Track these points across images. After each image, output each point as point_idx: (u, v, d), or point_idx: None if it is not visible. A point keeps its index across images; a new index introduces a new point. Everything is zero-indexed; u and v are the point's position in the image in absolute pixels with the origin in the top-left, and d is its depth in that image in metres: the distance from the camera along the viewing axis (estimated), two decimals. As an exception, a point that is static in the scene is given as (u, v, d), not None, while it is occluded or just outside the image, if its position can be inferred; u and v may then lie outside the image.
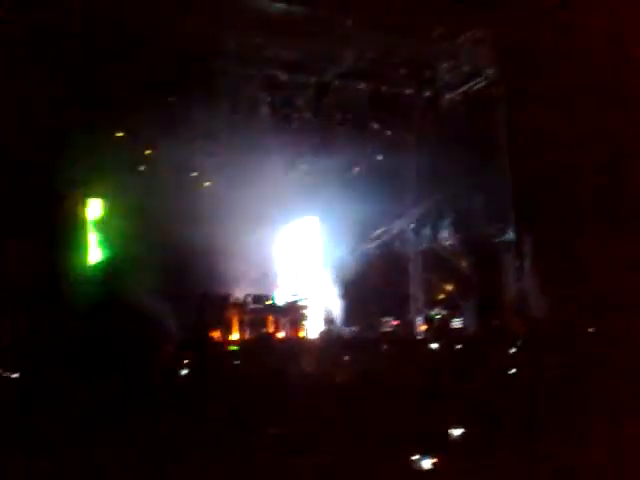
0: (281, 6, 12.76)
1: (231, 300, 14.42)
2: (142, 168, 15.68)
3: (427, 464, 4.49)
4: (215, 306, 14.22)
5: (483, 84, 15.18)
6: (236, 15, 12.58)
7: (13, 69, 11.65)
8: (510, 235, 14.94)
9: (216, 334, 13.88)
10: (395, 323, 15.26)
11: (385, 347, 11.98)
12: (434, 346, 11.87)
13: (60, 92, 12.09)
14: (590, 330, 12.77)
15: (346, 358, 10.32)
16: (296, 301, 15.16)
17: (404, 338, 14.27)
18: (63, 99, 12.21)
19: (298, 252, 16.02)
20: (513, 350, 10.43)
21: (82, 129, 12.40)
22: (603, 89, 13.26)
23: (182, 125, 14.51)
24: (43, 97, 11.80)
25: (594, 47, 12.92)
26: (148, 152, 15.41)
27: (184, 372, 8.69)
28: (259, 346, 12.89)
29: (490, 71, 14.90)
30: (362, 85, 14.82)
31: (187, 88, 13.49)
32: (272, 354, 11.16)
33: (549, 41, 13.40)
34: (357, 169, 16.70)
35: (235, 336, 13.92)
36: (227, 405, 6.68)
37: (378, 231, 16.83)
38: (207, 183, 15.75)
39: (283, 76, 13.90)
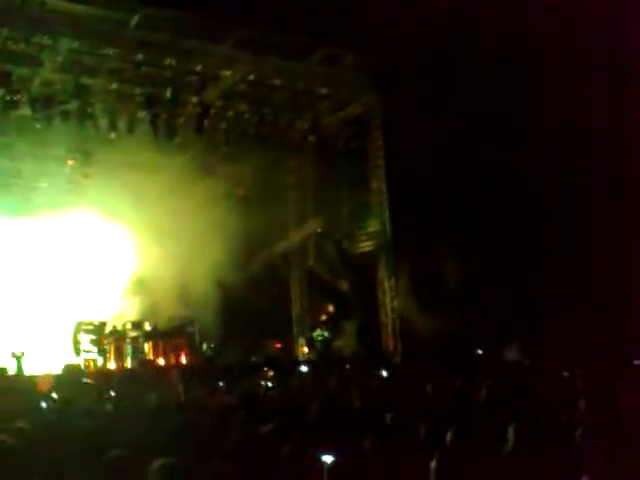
0: (161, 25, 12.57)
1: (108, 327, 13.90)
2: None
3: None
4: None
5: (360, 110, 15.56)
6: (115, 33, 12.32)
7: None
8: (388, 256, 15.28)
9: (91, 363, 13.31)
10: (278, 345, 15.22)
11: (266, 370, 11.91)
12: (313, 369, 11.94)
13: None
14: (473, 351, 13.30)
15: (222, 384, 10.16)
16: (178, 326, 14.78)
17: (286, 361, 14.24)
18: None
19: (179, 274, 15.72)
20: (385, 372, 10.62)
21: None
22: (480, 111, 13.92)
23: (57, 143, 14.06)
24: None
25: (475, 73, 13.58)
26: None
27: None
28: (133, 374, 12.49)
29: (367, 97, 15.30)
30: (244, 106, 14.83)
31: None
32: (148, 382, 10.81)
33: (430, 70, 13.97)
34: (241, 190, 16.69)
35: (112, 365, 13.39)
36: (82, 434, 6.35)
37: (261, 253, 16.85)
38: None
39: (164, 94, 13.63)
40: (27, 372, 12.56)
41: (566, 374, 9.42)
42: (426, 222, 14.34)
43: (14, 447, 5.60)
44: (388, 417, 6.70)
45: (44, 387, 10.39)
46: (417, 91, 13.93)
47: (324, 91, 14.94)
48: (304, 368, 12.51)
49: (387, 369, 11.16)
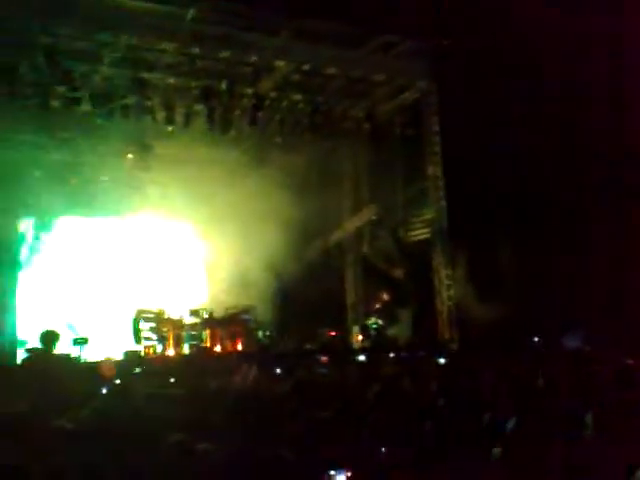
0: (216, 18, 12.77)
1: (166, 314, 14.22)
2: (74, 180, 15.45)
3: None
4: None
5: (416, 96, 15.44)
6: (172, 28, 12.54)
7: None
8: (444, 243, 15.18)
9: (151, 350, 13.65)
10: (332, 333, 15.29)
11: (321, 358, 12.01)
12: (368, 357, 11.98)
13: None
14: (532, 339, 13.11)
15: (279, 371, 10.30)
16: (235, 313, 15.03)
17: (340, 349, 14.32)
18: None
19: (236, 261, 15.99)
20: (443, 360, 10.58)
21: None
22: (538, 99, 13.68)
23: (116, 137, 14.41)
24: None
25: (532, 58, 13.35)
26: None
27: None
28: (192, 361, 12.76)
29: (422, 83, 15.17)
30: (298, 96, 14.91)
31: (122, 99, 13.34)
32: (206, 369, 11.03)
33: (485, 51, 13.78)
34: (294, 179, 16.77)
35: (170, 351, 13.71)
36: (150, 422, 6.56)
37: (316, 241, 16.96)
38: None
39: (219, 87, 13.83)
40: (90, 358, 12.97)
41: (630, 362, 9.26)
42: (483, 209, 14.17)
43: (74, 432, 5.82)
44: (446, 405, 6.71)
45: (108, 373, 10.70)
46: (473, 76, 13.75)
47: (379, 78, 14.89)
48: (360, 357, 12.58)
49: (444, 357, 11.11)
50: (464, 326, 14.36)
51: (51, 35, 11.91)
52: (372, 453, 5.97)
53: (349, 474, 4.57)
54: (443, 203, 15.21)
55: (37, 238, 14.86)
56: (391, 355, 12.42)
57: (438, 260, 15.17)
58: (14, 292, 14.28)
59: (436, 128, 15.21)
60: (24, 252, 14.67)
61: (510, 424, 6.24)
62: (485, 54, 13.65)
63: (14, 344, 13.74)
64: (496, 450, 5.34)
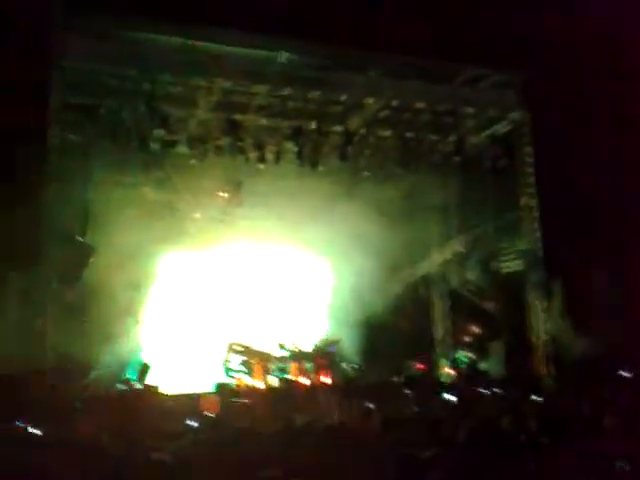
0: (306, 60, 13.16)
1: (255, 347, 14.44)
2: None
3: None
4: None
5: (508, 127, 15.22)
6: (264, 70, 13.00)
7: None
8: (540, 275, 14.74)
9: (241, 382, 13.87)
10: (420, 367, 15.05)
11: (408, 392, 11.84)
12: (460, 392, 11.71)
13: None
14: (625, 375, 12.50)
15: (370, 405, 10.25)
16: (322, 346, 15.11)
17: (428, 382, 14.06)
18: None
19: (324, 295, 16.09)
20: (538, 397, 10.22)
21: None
22: (633, 129, 13.26)
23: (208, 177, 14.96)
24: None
25: (625, 85, 12.99)
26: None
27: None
28: (281, 394, 12.85)
29: (515, 114, 14.94)
30: (387, 132, 15.01)
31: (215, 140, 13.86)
32: (293, 402, 11.11)
33: (577, 82, 13.51)
34: (383, 210, 16.81)
35: (260, 384, 13.88)
36: (235, 454, 6.67)
37: (405, 272, 16.86)
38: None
39: (309, 126, 14.14)
40: (180, 391, 13.26)
41: None
42: (581, 239, 13.74)
43: (173, 467, 5.97)
44: (547, 444, 6.49)
45: (208, 407, 10.91)
46: (567, 104, 13.49)
47: (469, 111, 14.81)
48: (451, 392, 12.30)
49: (540, 393, 10.72)
50: (560, 361, 13.83)
51: (150, 81, 12.60)
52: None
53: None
54: (538, 234, 14.82)
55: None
56: (484, 391, 12.09)
57: (532, 292, 14.74)
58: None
59: (530, 159, 14.94)
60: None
61: (621, 464, 5.95)
62: (579, 83, 13.38)
63: (115, 375, 14.23)
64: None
